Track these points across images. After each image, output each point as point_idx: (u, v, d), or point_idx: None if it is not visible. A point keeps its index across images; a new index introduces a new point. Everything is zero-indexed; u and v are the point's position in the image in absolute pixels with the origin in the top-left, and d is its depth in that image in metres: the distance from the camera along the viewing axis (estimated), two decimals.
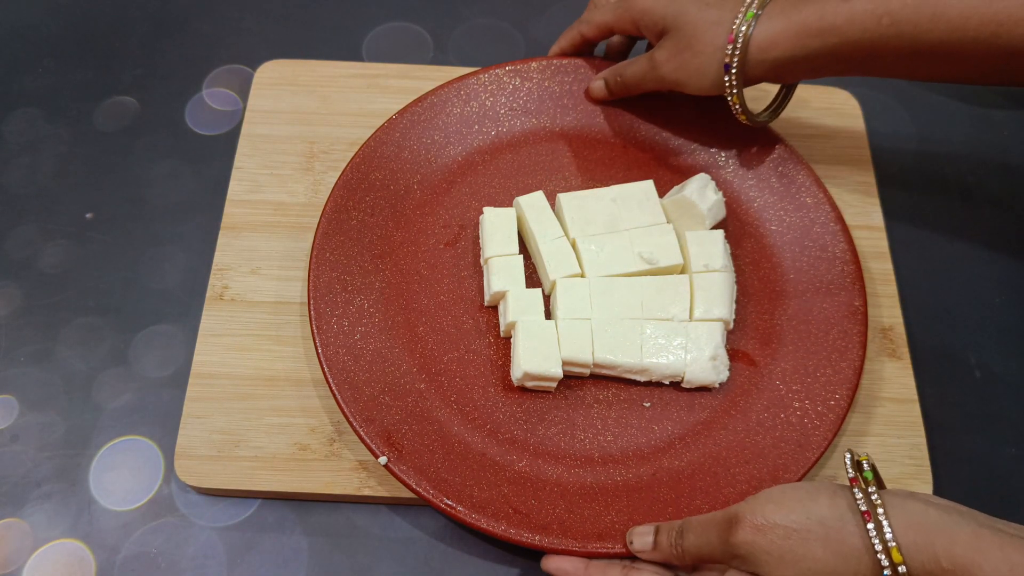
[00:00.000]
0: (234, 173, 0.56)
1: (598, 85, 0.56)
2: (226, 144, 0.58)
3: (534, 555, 0.46)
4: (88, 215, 0.56)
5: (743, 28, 0.47)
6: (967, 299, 0.55)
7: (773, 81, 0.51)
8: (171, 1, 0.65)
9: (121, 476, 0.48)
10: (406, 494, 0.46)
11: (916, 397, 0.50)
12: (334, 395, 0.46)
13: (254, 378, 0.49)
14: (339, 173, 0.56)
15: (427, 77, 0.60)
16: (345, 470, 0.47)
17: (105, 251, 0.54)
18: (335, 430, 0.48)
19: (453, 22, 0.65)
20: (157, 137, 0.59)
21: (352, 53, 0.63)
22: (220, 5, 0.65)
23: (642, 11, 0.51)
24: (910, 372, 0.51)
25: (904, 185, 0.59)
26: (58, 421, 0.49)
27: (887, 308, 0.53)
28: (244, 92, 0.60)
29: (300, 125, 0.58)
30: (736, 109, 0.51)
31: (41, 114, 0.59)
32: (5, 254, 0.54)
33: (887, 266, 0.54)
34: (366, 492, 0.47)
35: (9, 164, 0.57)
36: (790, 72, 0.49)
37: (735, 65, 0.48)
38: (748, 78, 0.49)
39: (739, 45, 0.47)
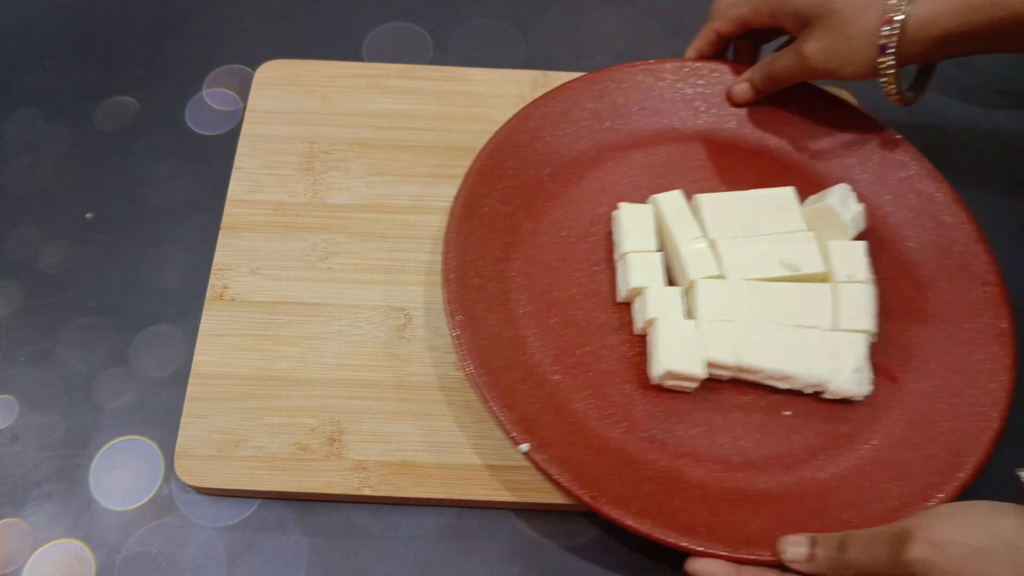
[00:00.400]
0: (234, 173, 0.56)
1: (742, 88, 0.55)
2: (226, 144, 0.58)
3: (535, 555, 0.46)
4: (88, 215, 0.56)
5: (901, 7, 0.46)
6: None
7: (928, 61, 0.51)
8: (171, 1, 0.65)
9: (121, 476, 0.48)
10: (406, 494, 0.46)
11: None
12: (473, 379, 0.45)
13: (254, 378, 0.49)
14: (339, 173, 0.56)
15: (427, 77, 0.60)
16: (345, 470, 0.47)
17: (105, 251, 0.54)
18: (335, 429, 0.48)
19: (453, 22, 0.65)
20: (157, 137, 0.59)
21: (352, 53, 0.63)
22: (220, 5, 0.65)
23: (781, 2, 0.50)
24: None
25: None
26: (58, 421, 0.49)
27: None
28: (244, 92, 0.60)
29: (300, 125, 0.58)
30: (891, 91, 0.50)
31: (41, 114, 0.59)
32: (5, 254, 0.54)
33: None
34: (366, 492, 0.47)
35: (9, 164, 0.57)
36: (948, 49, 0.48)
37: (892, 46, 0.47)
38: (905, 58, 0.48)
39: (896, 26, 0.47)
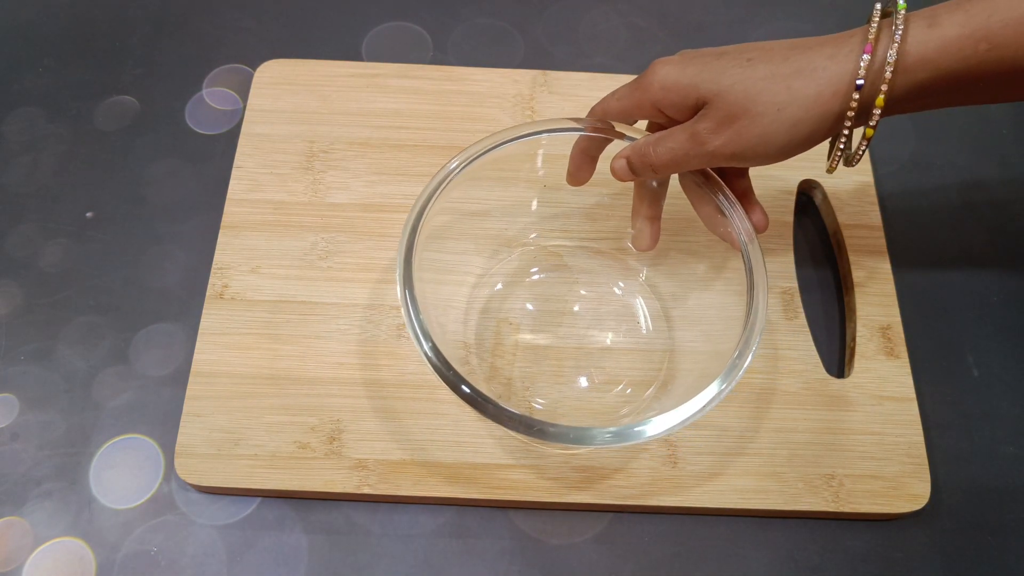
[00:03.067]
0: (234, 172, 0.56)
1: (620, 165, 0.46)
2: (226, 143, 0.58)
3: (534, 554, 0.46)
4: (88, 214, 0.56)
5: (890, 39, 0.39)
6: (965, 298, 0.55)
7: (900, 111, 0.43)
8: (171, 0, 0.65)
9: (121, 474, 0.48)
10: (405, 493, 0.46)
11: (914, 396, 0.50)
12: None
13: (254, 376, 0.49)
14: (339, 172, 0.56)
15: (427, 76, 0.60)
16: (345, 468, 0.47)
17: (105, 250, 0.55)
18: (335, 428, 0.48)
19: (453, 22, 0.65)
20: (157, 136, 0.59)
21: (351, 52, 0.63)
22: (220, 5, 0.65)
23: (663, 88, 0.43)
24: (908, 371, 0.51)
25: (902, 184, 0.59)
26: (58, 419, 0.49)
27: (885, 307, 0.53)
28: (244, 91, 0.60)
29: (300, 124, 0.58)
30: (837, 159, 0.44)
31: (41, 113, 0.59)
32: (5, 253, 0.54)
33: (885, 265, 0.54)
34: (365, 490, 0.47)
35: (9, 163, 0.57)
36: (932, 99, 0.42)
37: (854, 108, 0.40)
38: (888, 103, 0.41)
39: (888, 65, 0.39)
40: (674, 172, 0.46)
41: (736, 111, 0.42)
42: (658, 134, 0.45)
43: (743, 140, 0.42)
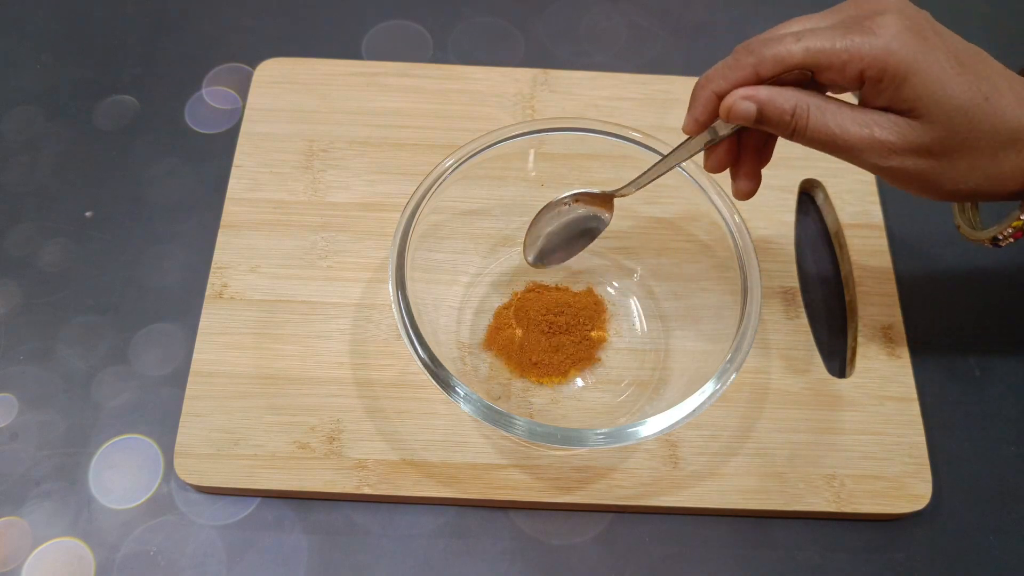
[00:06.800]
0: (233, 171, 0.56)
1: (745, 108, 0.37)
2: (226, 142, 0.58)
3: (534, 554, 0.46)
4: (88, 213, 0.56)
5: None
6: (966, 297, 0.55)
7: None
8: None
9: (120, 474, 0.48)
10: (405, 493, 0.46)
11: (915, 396, 0.50)
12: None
13: (253, 376, 0.49)
14: (339, 171, 0.56)
15: (427, 75, 0.60)
16: (344, 468, 0.47)
17: (104, 249, 0.54)
18: (335, 428, 0.48)
19: (453, 20, 0.65)
20: (157, 135, 0.59)
21: (351, 51, 0.63)
22: (220, 3, 0.65)
23: (878, 59, 0.35)
24: (909, 370, 0.51)
25: None
26: (57, 419, 0.49)
27: (887, 307, 0.53)
28: (243, 90, 0.60)
29: (299, 123, 0.58)
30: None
31: (40, 112, 0.59)
32: (4, 252, 0.54)
33: (887, 264, 0.54)
34: (365, 491, 0.47)
35: (8, 162, 0.57)
36: None
37: None
38: None
39: None
40: (819, 150, 0.38)
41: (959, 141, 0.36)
42: (817, 97, 0.37)
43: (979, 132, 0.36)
